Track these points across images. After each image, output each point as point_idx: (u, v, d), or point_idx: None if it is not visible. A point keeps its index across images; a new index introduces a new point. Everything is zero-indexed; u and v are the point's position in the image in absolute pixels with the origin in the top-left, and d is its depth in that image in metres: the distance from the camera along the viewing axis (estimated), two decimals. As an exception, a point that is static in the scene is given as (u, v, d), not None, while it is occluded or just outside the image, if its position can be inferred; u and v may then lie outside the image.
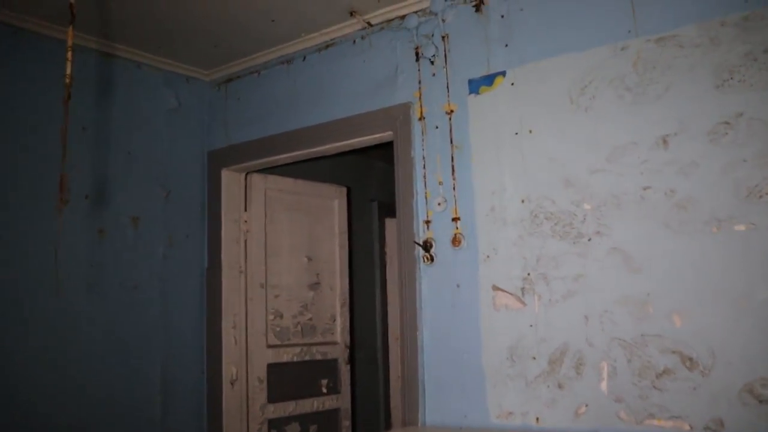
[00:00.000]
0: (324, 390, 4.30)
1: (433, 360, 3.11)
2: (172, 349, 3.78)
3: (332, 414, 4.33)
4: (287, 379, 4.14)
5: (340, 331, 4.44)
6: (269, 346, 4.07)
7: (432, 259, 3.14)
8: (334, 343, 4.41)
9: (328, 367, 4.35)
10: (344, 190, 4.62)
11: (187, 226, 3.96)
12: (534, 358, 2.82)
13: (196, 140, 4.07)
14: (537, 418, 2.79)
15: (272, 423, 4.02)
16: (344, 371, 4.42)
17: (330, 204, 4.51)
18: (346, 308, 4.50)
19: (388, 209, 5.57)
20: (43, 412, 3.17)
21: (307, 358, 4.23)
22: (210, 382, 3.89)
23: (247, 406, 3.94)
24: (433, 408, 3.08)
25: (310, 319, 4.30)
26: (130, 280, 3.62)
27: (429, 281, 3.15)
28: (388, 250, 5.52)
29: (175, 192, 3.89)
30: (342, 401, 4.38)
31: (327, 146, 3.57)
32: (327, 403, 4.30)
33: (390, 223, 5.53)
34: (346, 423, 4.39)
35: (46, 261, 3.22)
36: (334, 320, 4.44)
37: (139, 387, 3.60)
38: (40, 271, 3.21)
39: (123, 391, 3.51)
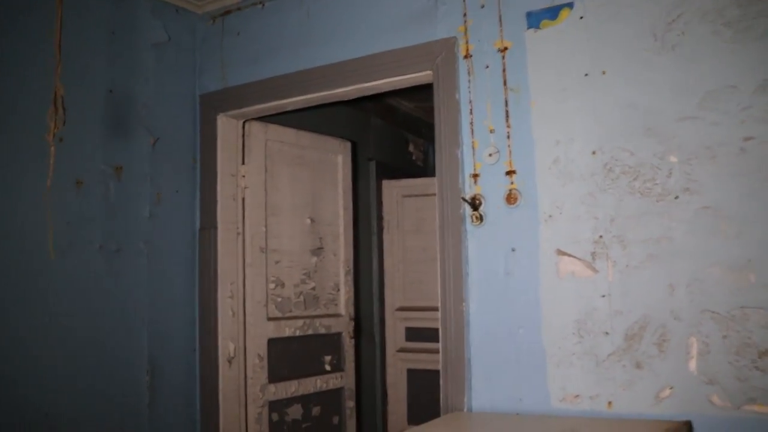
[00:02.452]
0: (327, 367, 3.86)
1: (481, 336, 2.70)
2: (160, 322, 3.26)
3: (336, 394, 3.89)
4: (289, 356, 3.67)
5: (344, 302, 3.99)
6: (270, 319, 3.58)
7: (481, 219, 2.71)
8: (338, 316, 3.95)
9: (332, 341, 3.90)
10: (348, 144, 4.12)
11: (177, 180, 3.41)
12: (607, 334, 2.44)
13: (187, 81, 3.50)
14: (609, 402, 2.43)
15: (273, 405, 3.56)
16: (348, 346, 3.98)
17: (333, 160, 4.02)
18: (351, 277, 4.04)
19: (386, 170, 5.11)
20: (10, 393, 2.63)
21: (309, 332, 3.76)
22: (204, 360, 3.39)
23: (246, 387, 3.46)
24: (481, 391, 2.68)
25: (313, 288, 3.83)
26: (112, 241, 3.06)
27: (477, 244, 2.72)
28: (386, 214, 5.06)
29: (163, 140, 3.33)
30: (346, 380, 3.95)
31: (348, 88, 3.07)
32: (331, 381, 3.85)
33: (388, 185, 5.07)
34: (351, 404, 3.97)
35: (15, 217, 2.65)
36: (338, 290, 3.97)
37: (122, 367, 3.07)
38: (8, 229, 2.64)
39: (103, 372, 2.98)
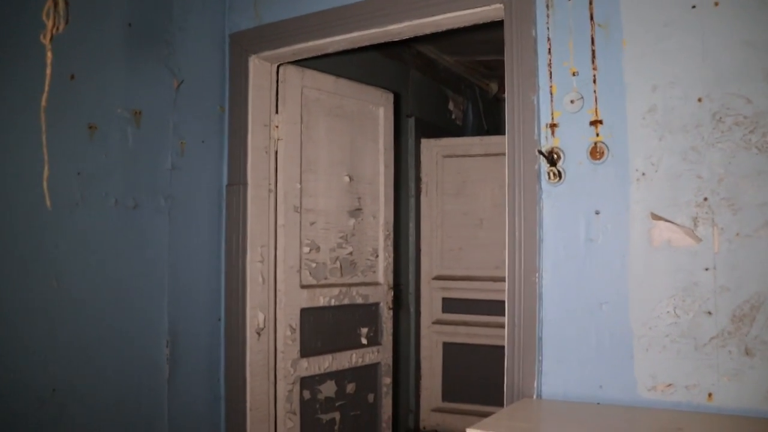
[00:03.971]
0: (364, 341, 3.51)
1: (555, 312, 2.33)
2: (182, 289, 2.91)
3: (372, 369, 3.55)
4: (323, 328, 3.33)
5: (383, 270, 3.62)
6: (303, 287, 3.23)
7: (559, 176, 2.32)
8: (376, 284, 3.59)
9: (369, 312, 3.55)
10: (391, 96, 3.72)
11: (203, 129, 3.03)
12: (709, 313, 2.07)
13: (216, 18, 3.10)
14: (710, 394, 2.06)
15: (304, 382, 3.22)
16: (387, 318, 3.63)
17: (374, 112, 3.62)
18: (390, 242, 3.67)
19: (426, 128, 4.70)
20: (12, 367, 2.29)
21: (346, 301, 3.41)
22: (230, 331, 3.05)
23: (275, 362, 3.12)
24: (553, 375, 2.32)
25: (350, 253, 3.46)
26: (129, 197, 2.70)
27: (554, 205, 2.34)
28: (424, 176, 4.66)
29: (188, 83, 2.94)
30: (383, 354, 3.60)
31: (402, 25, 2.66)
32: (367, 356, 3.51)
33: (427, 144, 4.66)
34: (387, 380, 3.63)
35: (18, 163, 2.30)
36: (377, 256, 3.61)
37: (139, 338, 2.73)
38: (9, 179, 2.28)
39: (117, 343, 2.64)
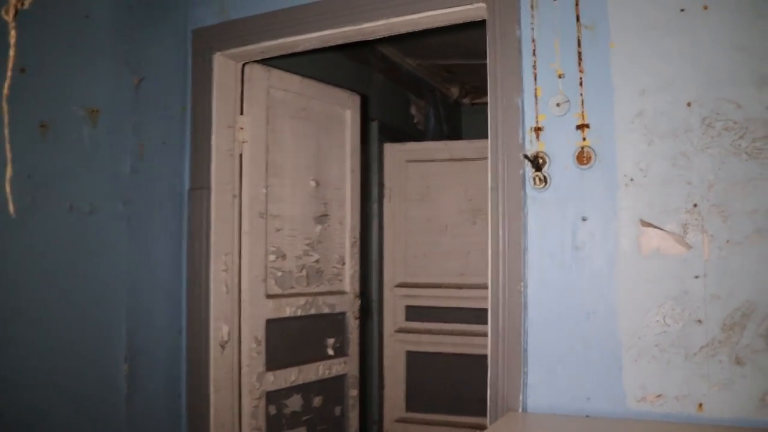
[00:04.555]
0: (330, 352, 3.38)
1: (540, 322, 2.25)
2: (141, 300, 2.73)
3: (338, 381, 3.42)
4: (289, 340, 3.18)
5: (349, 278, 3.50)
6: (269, 296, 3.08)
7: (545, 182, 2.24)
8: (343, 293, 3.46)
9: (335, 322, 3.42)
10: (358, 98, 3.60)
11: (165, 130, 2.85)
12: (700, 322, 2.03)
13: (179, 11, 2.93)
14: (700, 404, 2.02)
15: (270, 396, 3.06)
16: (353, 328, 3.50)
17: (341, 115, 3.50)
18: (357, 249, 3.55)
19: (389, 132, 4.60)
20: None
21: (312, 311, 3.27)
22: (192, 345, 2.87)
23: (240, 376, 2.96)
24: (539, 388, 2.24)
25: (317, 261, 3.32)
26: (85, 201, 2.51)
27: (539, 211, 2.27)
28: (387, 181, 4.55)
29: (149, 81, 2.76)
30: (350, 366, 3.47)
31: (377, 23, 2.55)
32: (334, 368, 3.37)
33: (391, 149, 4.55)
34: (354, 392, 3.50)
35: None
36: (343, 263, 3.48)
37: (95, 355, 2.53)
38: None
39: (72, 362, 2.44)
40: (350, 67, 4.24)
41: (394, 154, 4.53)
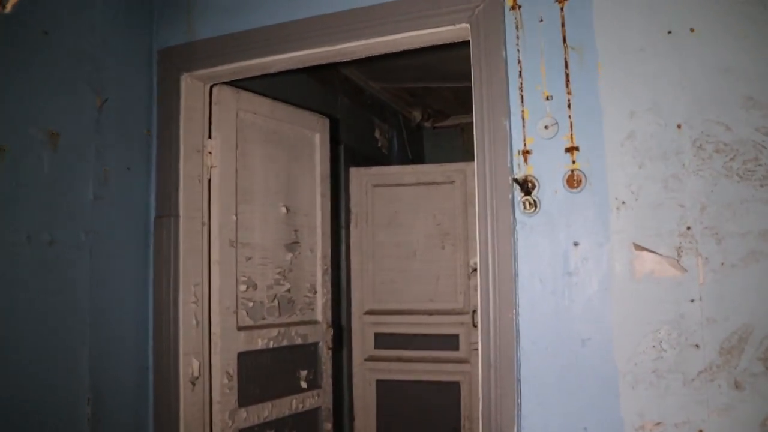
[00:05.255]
0: (303, 384, 3.23)
1: (534, 351, 2.18)
2: (105, 336, 2.54)
3: (312, 415, 3.27)
4: (262, 373, 3.02)
5: (321, 307, 3.37)
6: (240, 329, 2.92)
7: (535, 206, 2.19)
8: (315, 323, 3.33)
9: (308, 353, 3.28)
10: (326, 122, 3.51)
11: (130, 155, 2.70)
12: (697, 347, 1.99)
13: (143, 31, 2.79)
14: (700, 431, 1.97)
15: (242, 434, 2.90)
16: (326, 359, 3.37)
17: (310, 138, 3.39)
18: (329, 277, 3.43)
19: (354, 156, 4.51)
20: None
21: (285, 342, 3.12)
22: (160, 382, 2.69)
23: (211, 414, 2.79)
24: (534, 417, 2.16)
25: (288, 290, 3.19)
26: (44, 231, 2.33)
27: (529, 237, 2.20)
28: (354, 206, 4.45)
29: (113, 102, 2.61)
30: (323, 398, 3.33)
31: (355, 44, 2.48)
32: (307, 401, 3.23)
33: (357, 173, 4.46)
34: (328, 426, 3.35)
35: None
36: (315, 292, 3.35)
37: (56, 397, 2.34)
38: None
39: (29, 406, 2.23)
40: (316, 89, 4.15)
41: (361, 178, 4.45)
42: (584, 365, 2.11)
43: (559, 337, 2.15)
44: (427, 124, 5.74)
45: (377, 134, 5.01)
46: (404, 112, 5.50)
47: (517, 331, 2.19)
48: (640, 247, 2.07)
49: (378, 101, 5.02)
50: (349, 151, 4.45)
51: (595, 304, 2.11)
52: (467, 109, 5.42)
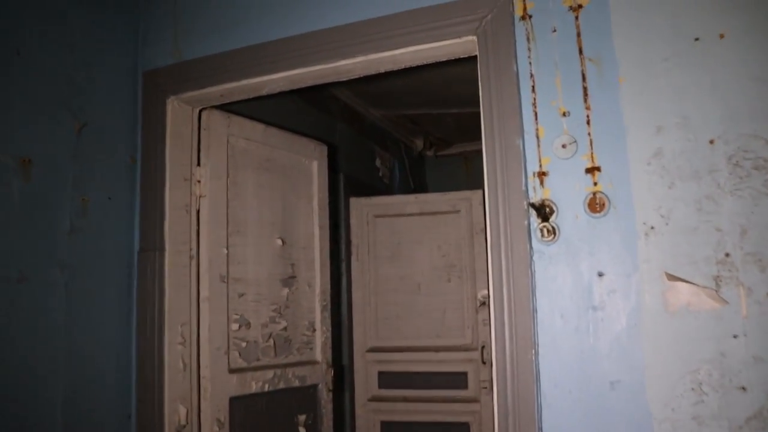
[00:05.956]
0: (302, 430, 2.98)
1: (557, 395, 1.94)
2: (82, 383, 2.32)
3: (311, 464, 3.02)
4: (256, 419, 2.78)
5: (320, 346, 3.14)
6: (232, 371, 2.69)
7: (554, 233, 1.98)
8: (314, 363, 3.09)
9: (307, 396, 3.03)
10: (325, 149, 3.32)
11: (111, 184, 2.50)
12: (743, 389, 1.76)
13: (127, 51, 2.62)
14: (748, 487, 1.73)
15: (234, 488, 2.65)
16: (326, 401, 3.12)
17: (308, 166, 3.20)
18: (328, 313, 3.21)
19: (354, 185, 4.32)
20: None
21: (281, 385, 2.89)
22: (143, 431, 2.45)
23: (200, 467, 2.55)
24: (558, 472, 1.92)
25: (285, 328, 2.96)
26: (14, 267, 2.12)
27: (548, 267, 1.99)
28: (355, 238, 4.24)
29: (92, 127, 2.42)
30: (324, 445, 3.08)
31: (355, 60, 2.29)
32: (306, 450, 2.98)
33: (357, 204, 4.26)
34: (329, 476, 3.10)
35: None
36: (314, 330, 3.12)
37: (26, 446, 2.11)
38: None
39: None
40: (313, 116, 3.97)
41: (361, 208, 4.25)
42: (614, 410, 1.88)
43: (585, 380, 1.92)
44: (429, 153, 5.55)
45: (378, 163, 4.82)
46: (406, 141, 5.33)
47: (537, 373, 1.96)
48: (673, 277, 1.85)
49: (379, 129, 4.85)
50: (349, 181, 4.25)
51: (624, 341, 1.89)
52: (471, 137, 5.27)
